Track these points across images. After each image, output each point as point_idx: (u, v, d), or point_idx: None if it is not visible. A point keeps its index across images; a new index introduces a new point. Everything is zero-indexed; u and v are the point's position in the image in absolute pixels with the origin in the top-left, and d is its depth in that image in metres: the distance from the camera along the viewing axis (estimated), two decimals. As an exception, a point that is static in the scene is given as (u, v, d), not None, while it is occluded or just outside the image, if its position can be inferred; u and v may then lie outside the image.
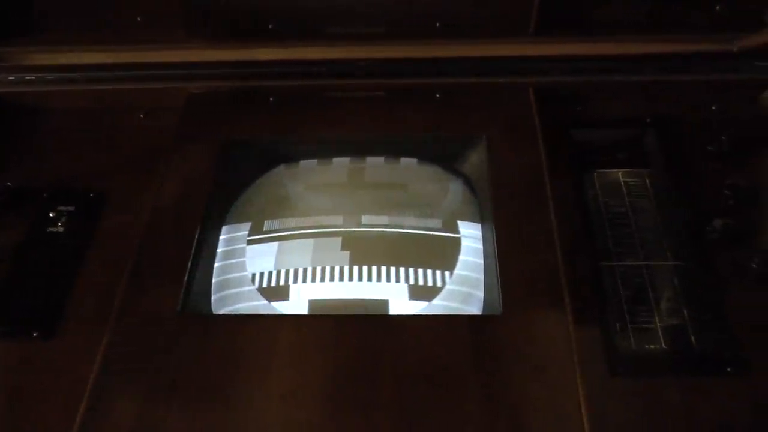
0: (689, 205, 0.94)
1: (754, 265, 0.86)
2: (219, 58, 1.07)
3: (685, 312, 0.84)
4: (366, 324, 0.83)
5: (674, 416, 0.75)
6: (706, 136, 1.00)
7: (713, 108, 1.06)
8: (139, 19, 1.06)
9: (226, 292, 0.91)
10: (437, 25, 1.06)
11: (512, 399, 0.75)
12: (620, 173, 1.00)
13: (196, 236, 0.91)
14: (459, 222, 0.97)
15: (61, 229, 0.95)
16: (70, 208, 0.97)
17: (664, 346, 0.82)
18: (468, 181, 1.03)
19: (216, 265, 0.94)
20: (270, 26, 1.06)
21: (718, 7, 1.04)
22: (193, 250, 0.89)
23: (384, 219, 0.96)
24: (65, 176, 1.02)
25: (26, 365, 0.82)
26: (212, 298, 0.90)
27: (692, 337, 0.82)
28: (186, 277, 0.86)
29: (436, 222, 0.97)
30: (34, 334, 0.84)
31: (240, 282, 0.92)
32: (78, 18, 1.08)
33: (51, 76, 1.10)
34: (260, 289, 0.90)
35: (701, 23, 1.05)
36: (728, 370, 0.78)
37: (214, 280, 0.92)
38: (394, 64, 1.08)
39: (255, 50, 1.07)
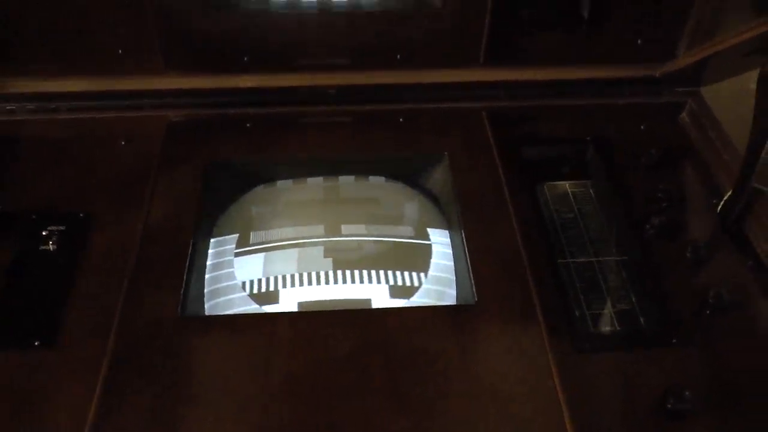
0: (628, 208, 1.07)
1: (688, 254, 0.99)
2: (197, 86, 1.14)
3: (633, 298, 0.96)
4: (358, 317, 0.89)
5: (632, 382, 0.85)
6: (638, 150, 1.14)
7: (642, 127, 1.21)
8: (120, 51, 1.11)
9: (218, 300, 0.96)
10: (398, 57, 1.16)
11: (494, 376, 0.83)
12: (567, 184, 1.12)
13: (190, 247, 0.96)
14: (428, 230, 1.06)
15: (53, 247, 0.98)
16: (61, 228, 1.00)
17: (618, 328, 0.93)
18: (431, 195, 1.12)
19: (206, 276, 0.98)
20: (245, 59, 1.14)
21: (639, 41, 1.19)
22: (188, 260, 0.94)
23: (362, 228, 1.04)
24: (51, 200, 1.05)
25: (30, 373, 0.85)
26: (206, 306, 0.95)
27: (640, 319, 0.94)
28: (183, 285, 0.91)
29: (408, 230, 1.05)
30: (36, 343, 0.88)
31: (231, 290, 0.97)
32: (59, 51, 1.11)
33: (31, 105, 1.13)
34: (251, 295, 0.96)
35: (626, 54, 1.20)
36: (674, 341, 0.90)
37: (206, 290, 0.97)
38: (360, 92, 1.17)
39: (232, 79, 1.14)
